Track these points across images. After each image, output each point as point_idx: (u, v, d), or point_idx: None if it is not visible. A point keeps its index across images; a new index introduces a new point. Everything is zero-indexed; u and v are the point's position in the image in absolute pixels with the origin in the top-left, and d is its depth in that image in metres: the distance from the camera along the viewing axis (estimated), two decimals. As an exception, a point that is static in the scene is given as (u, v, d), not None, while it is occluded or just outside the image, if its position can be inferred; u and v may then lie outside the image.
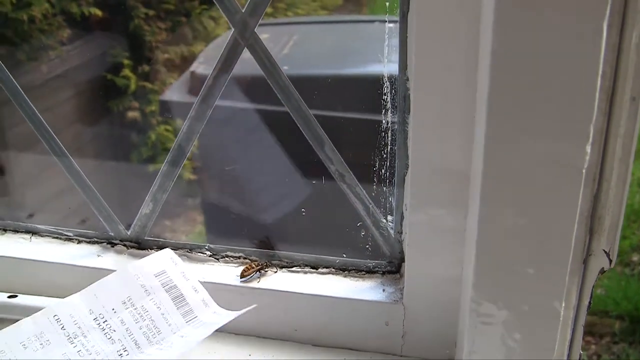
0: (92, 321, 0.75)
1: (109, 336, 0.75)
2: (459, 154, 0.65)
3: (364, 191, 0.78)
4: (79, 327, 0.75)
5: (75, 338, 0.74)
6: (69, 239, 0.91)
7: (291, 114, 0.76)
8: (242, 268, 0.82)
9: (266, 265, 0.82)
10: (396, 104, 0.72)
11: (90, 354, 0.73)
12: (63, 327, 0.74)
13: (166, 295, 0.78)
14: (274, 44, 1.76)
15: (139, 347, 0.75)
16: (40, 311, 0.75)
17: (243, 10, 0.74)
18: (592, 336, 2.24)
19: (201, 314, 0.78)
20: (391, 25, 0.70)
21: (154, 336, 0.76)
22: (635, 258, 2.54)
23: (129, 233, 0.88)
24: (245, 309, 0.76)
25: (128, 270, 0.79)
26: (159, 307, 0.78)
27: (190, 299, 0.79)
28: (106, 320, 0.76)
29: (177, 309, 0.78)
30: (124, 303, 0.77)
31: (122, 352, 0.74)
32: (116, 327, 0.75)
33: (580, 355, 0.68)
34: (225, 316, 0.77)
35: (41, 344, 0.73)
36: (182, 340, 0.75)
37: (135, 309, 0.77)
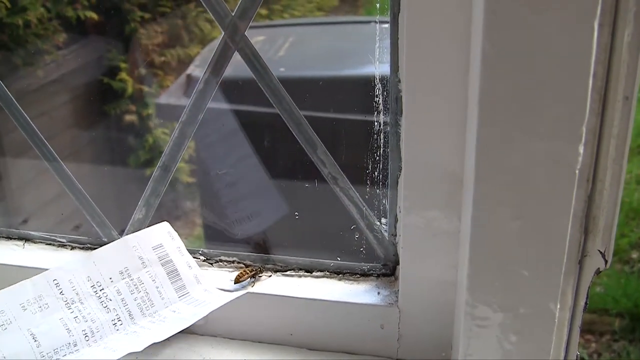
0: (89, 288, 0.77)
1: (104, 305, 0.77)
2: (452, 156, 0.65)
3: (357, 194, 0.78)
4: (77, 294, 0.76)
5: (72, 304, 0.76)
6: (62, 245, 0.90)
7: (283, 117, 0.76)
8: (236, 272, 0.81)
9: (260, 271, 0.81)
10: (388, 106, 0.71)
11: (87, 321, 0.75)
12: (62, 292, 0.76)
13: (162, 269, 0.80)
14: (269, 46, 1.75)
15: (132, 318, 0.77)
16: (41, 274, 0.77)
17: (233, 14, 0.73)
18: (592, 334, 2.24)
19: (193, 291, 0.80)
20: (384, 26, 0.69)
21: (147, 308, 0.78)
22: (634, 255, 2.53)
23: (122, 238, 0.87)
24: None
25: (127, 241, 0.80)
26: (154, 280, 0.79)
27: (184, 274, 0.80)
28: (103, 289, 0.77)
29: (171, 283, 0.80)
30: (121, 273, 0.78)
31: (116, 321, 0.76)
32: (112, 297, 0.77)
33: (577, 356, 0.68)
34: (218, 298, 0.78)
35: (40, 307, 0.75)
36: (174, 316, 0.77)
37: (131, 279, 0.78)
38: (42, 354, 0.73)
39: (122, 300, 0.77)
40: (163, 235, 0.82)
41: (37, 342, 0.73)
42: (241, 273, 0.80)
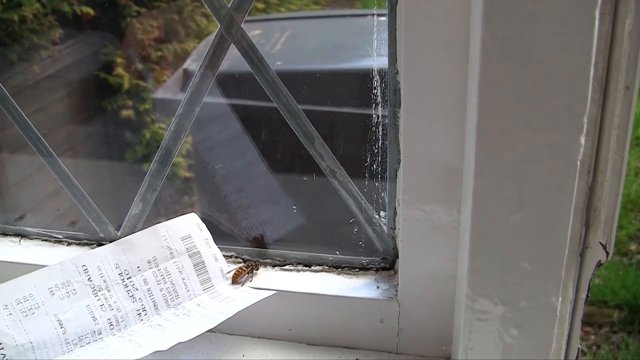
0: (117, 276, 0.77)
1: (131, 294, 0.77)
2: (451, 148, 0.64)
3: (356, 187, 0.77)
4: (104, 281, 0.76)
5: (99, 291, 0.76)
6: (59, 241, 0.89)
7: (280, 110, 0.75)
8: (233, 268, 0.81)
9: (256, 266, 0.81)
10: (387, 98, 0.70)
11: (112, 310, 0.75)
12: (90, 278, 0.76)
13: (189, 261, 0.79)
14: (266, 40, 1.74)
15: (157, 308, 0.77)
16: (69, 258, 0.77)
17: (229, 6, 0.73)
18: (591, 326, 2.24)
19: (218, 284, 0.80)
20: (381, 18, 0.69)
21: (172, 300, 0.78)
22: (632, 247, 2.53)
23: (118, 234, 0.87)
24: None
25: (157, 230, 0.80)
26: (180, 272, 0.79)
27: (210, 267, 0.80)
28: (130, 277, 0.77)
29: (197, 275, 0.79)
30: (149, 262, 0.78)
31: (141, 311, 0.76)
32: (139, 286, 0.77)
33: (578, 349, 0.67)
34: (244, 296, 0.77)
35: (67, 292, 0.75)
36: (198, 310, 0.76)
37: (158, 269, 0.78)
38: (67, 341, 0.73)
39: (149, 290, 0.77)
40: (192, 226, 0.81)
41: (63, 329, 0.73)
42: (237, 272, 0.80)
